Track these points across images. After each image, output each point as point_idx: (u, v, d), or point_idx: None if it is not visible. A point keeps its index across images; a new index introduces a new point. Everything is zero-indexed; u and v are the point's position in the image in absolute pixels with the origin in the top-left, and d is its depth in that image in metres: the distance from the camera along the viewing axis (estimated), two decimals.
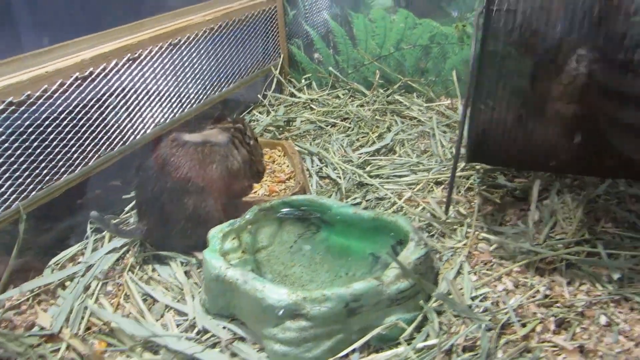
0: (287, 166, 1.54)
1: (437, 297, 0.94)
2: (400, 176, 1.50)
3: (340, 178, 1.47)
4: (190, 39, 1.60)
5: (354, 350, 0.88)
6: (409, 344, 0.87)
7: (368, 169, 1.54)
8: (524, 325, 0.91)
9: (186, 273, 1.14)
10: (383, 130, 1.80)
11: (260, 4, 1.98)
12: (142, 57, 1.42)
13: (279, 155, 1.61)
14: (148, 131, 1.48)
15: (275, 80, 2.12)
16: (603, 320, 0.93)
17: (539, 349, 0.86)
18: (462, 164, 1.50)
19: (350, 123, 1.86)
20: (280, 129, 1.84)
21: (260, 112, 1.99)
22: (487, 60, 1.02)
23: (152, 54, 1.45)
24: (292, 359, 0.88)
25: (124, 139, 1.39)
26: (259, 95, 2.08)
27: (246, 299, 0.92)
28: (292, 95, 2.13)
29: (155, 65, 1.47)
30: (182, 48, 1.57)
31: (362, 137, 1.77)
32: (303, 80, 2.19)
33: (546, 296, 0.99)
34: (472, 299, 0.98)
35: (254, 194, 1.39)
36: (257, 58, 2.03)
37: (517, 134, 1.06)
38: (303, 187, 1.39)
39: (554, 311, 0.95)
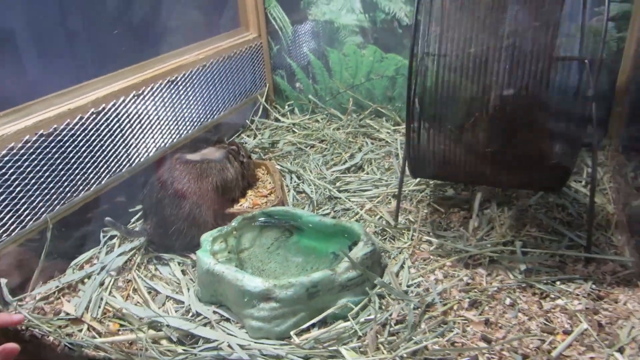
0: (269, 183, 1.81)
1: (378, 284, 1.20)
2: (364, 190, 1.77)
3: (313, 192, 1.73)
4: (186, 75, 1.88)
5: (313, 325, 1.14)
6: (354, 319, 1.13)
7: (338, 184, 1.80)
8: (444, 305, 1.17)
9: (183, 271, 1.40)
10: (355, 150, 2.07)
11: (247, 41, 2.27)
12: (145, 93, 1.69)
13: (263, 174, 1.88)
14: (151, 154, 1.75)
15: (261, 107, 2.40)
16: (508, 301, 1.19)
17: (452, 321, 1.12)
18: (417, 180, 1.77)
19: (326, 144, 2.14)
20: (265, 150, 2.12)
21: (248, 136, 2.27)
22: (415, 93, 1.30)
23: (154, 90, 1.73)
24: (265, 332, 1.14)
25: (130, 161, 1.66)
26: (247, 121, 2.35)
27: (230, 287, 1.18)
28: (277, 120, 2.41)
29: (156, 99, 1.75)
30: (179, 84, 1.85)
31: (336, 157, 2.04)
32: (286, 107, 2.47)
33: (467, 284, 1.26)
34: (408, 286, 1.25)
35: (240, 206, 1.66)
36: (246, 88, 2.31)
37: (442, 153, 1.33)
38: (281, 200, 1.66)
39: (470, 294, 1.21)
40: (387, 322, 1.11)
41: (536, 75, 1.29)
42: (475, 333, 1.09)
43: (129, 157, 1.66)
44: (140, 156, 1.70)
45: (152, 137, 1.75)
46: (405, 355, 1.03)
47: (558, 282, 1.26)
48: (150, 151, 1.75)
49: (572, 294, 1.22)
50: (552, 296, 1.21)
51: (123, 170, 1.63)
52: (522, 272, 1.28)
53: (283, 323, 1.14)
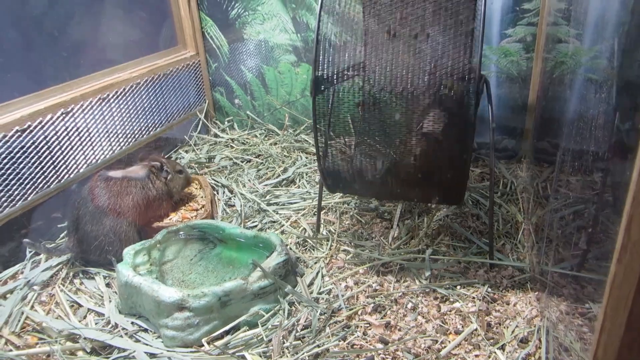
0: (202, 197, 1.86)
1: (288, 292, 1.27)
2: (293, 203, 1.85)
3: (242, 206, 1.80)
4: (118, 93, 1.92)
5: (226, 332, 1.20)
6: (263, 326, 1.20)
7: (268, 197, 1.88)
8: (349, 310, 1.25)
9: (107, 284, 1.44)
10: (289, 164, 2.15)
11: (184, 59, 2.32)
12: (74, 111, 1.72)
13: (196, 188, 1.93)
14: (81, 170, 1.78)
15: (201, 122, 2.45)
16: (410, 305, 1.29)
17: (355, 325, 1.21)
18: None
19: (262, 159, 2.21)
20: (201, 165, 2.17)
21: (185, 151, 2.31)
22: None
23: (84, 107, 1.76)
24: (179, 341, 1.19)
25: (59, 177, 1.68)
26: (186, 136, 2.40)
27: (146, 298, 1.23)
28: (216, 135, 2.47)
29: (86, 117, 1.78)
30: (111, 101, 1.89)
31: (270, 171, 2.12)
32: (226, 123, 2.53)
33: (375, 290, 1.35)
34: (319, 293, 1.33)
35: (169, 220, 1.70)
36: (184, 104, 2.36)
37: (351, 171, 1.43)
38: (210, 214, 1.72)
39: (376, 300, 1.30)
40: (294, 328, 1.19)
41: (441, 93, 1.41)
42: (374, 335, 1.18)
43: (57, 173, 1.68)
44: (69, 172, 1.73)
45: (83, 153, 1.78)
46: (307, 357, 1.10)
47: (459, 287, 1.37)
48: (81, 167, 1.77)
49: (469, 297, 1.33)
50: (451, 299, 1.32)
51: (51, 187, 1.65)
52: (427, 278, 1.39)
53: (196, 331, 1.19)
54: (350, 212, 1.77)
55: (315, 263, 1.47)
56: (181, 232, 1.49)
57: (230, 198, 1.90)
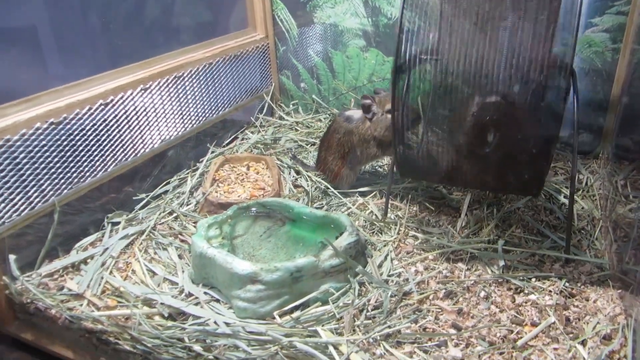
0: (269, 177, 1.89)
1: (359, 272, 1.27)
2: (359, 186, 1.83)
3: (308, 186, 1.81)
4: (192, 72, 1.97)
5: (296, 307, 1.21)
6: (334, 303, 1.20)
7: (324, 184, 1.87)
8: (420, 294, 1.23)
9: (179, 255, 1.49)
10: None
11: (254, 41, 2.35)
12: (152, 88, 1.78)
13: (263, 168, 1.96)
14: (156, 146, 1.84)
15: (267, 105, 2.48)
16: (482, 294, 1.25)
17: (427, 309, 1.18)
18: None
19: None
20: (267, 146, 2.20)
21: (252, 132, 2.35)
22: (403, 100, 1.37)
23: (160, 85, 1.82)
24: (251, 312, 1.21)
25: (135, 151, 1.75)
26: (252, 118, 2.44)
27: (220, 270, 1.26)
28: (281, 118, 2.49)
29: (162, 94, 1.84)
30: (185, 80, 1.94)
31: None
32: (291, 106, 2.55)
33: (446, 277, 1.32)
34: (389, 276, 1.31)
35: (238, 197, 1.74)
36: (252, 86, 2.39)
37: (429, 156, 1.40)
38: (277, 193, 1.74)
39: (447, 286, 1.27)
40: (364, 307, 1.18)
41: (530, 84, 1.35)
42: (447, 321, 1.16)
43: (135, 147, 1.75)
44: (145, 147, 1.79)
45: (158, 129, 1.84)
46: (378, 337, 1.09)
47: (533, 279, 1.31)
48: (155, 143, 1.84)
49: (545, 290, 1.27)
50: (526, 291, 1.27)
51: (128, 160, 1.72)
52: (501, 268, 1.34)
53: (268, 304, 1.21)
54: (418, 199, 1.74)
55: (384, 246, 1.45)
56: (253, 209, 1.51)
57: (296, 179, 1.91)
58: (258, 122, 2.41)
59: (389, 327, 1.11)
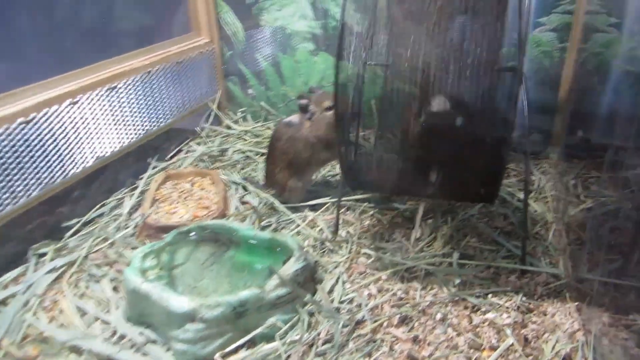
0: (214, 193, 1.77)
1: (308, 301, 1.18)
2: (308, 200, 1.74)
3: (257, 203, 1.70)
4: (129, 82, 1.83)
5: (240, 346, 1.11)
6: (282, 339, 1.10)
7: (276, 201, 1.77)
8: (374, 322, 1.16)
9: (114, 288, 1.36)
10: None
11: (198, 46, 2.22)
12: (82, 102, 1.63)
13: (208, 184, 1.84)
14: (89, 164, 1.69)
15: (213, 114, 2.35)
16: (439, 316, 1.19)
17: (381, 339, 1.11)
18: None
19: None
20: (214, 158, 2.07)
21: (197, 144, 2.22)
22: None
23: (92, 98, 1.67)
24: (191, 355, 1.10)
25: (65, 172, 1.60)
26: (197, 128, 2.31)
27: (156, 307, 1.14)
28: (228, 127, 2.37)
29: (94, 107, 1.69)
30: (121, 91, 1.79)
31: None
32: (239, 114, 2.43)
33: (401, 298, 1.25)
34: (341, 302, 1.23)
35: (179, 218, 1.62)
36: (196, 94, 2.26)
37: (377, 167, 1.33)
38: (222, 212, 1.63)
39: (402, 310, 1.20)
40: (314, 342, 1.09)
41: (479, 86, 1.30)
42: (402, 351, 1.08)
43: (64, 167, 1.59)
44: (76, 166, 1.64)
45: (90, 146, 1.69)
46: None
47: (490, 295, 1.26)
48: (88, 161, 1.69)
49: (503, 307, 1.22)
50: (483, 309, 1.22)
51: (56, 182, 1.57)
52: (457, 285, 1.29)
53: (209, 344, 1.11)
54: (370, 212, 1.67)
55: (335, 268, 1.37)
56: (192, 233, 1.40)
57: (243, 195, 1.80)
58: (204, 132, 2.29)
59: None
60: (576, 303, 1.24)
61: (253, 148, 2.16)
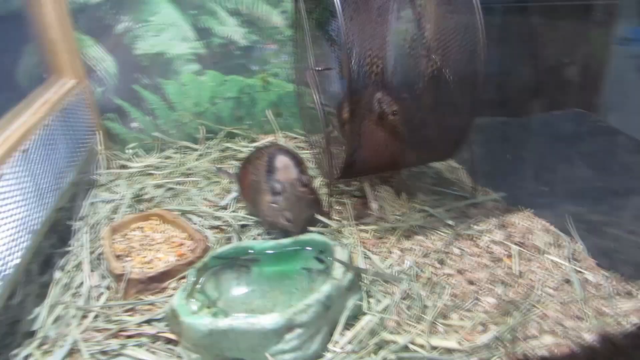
0: (177, 230, 1.68)
1: (372, 275, 1.31)
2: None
3: (228, 224, 1.69)
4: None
5: (340, 334, 1.18)
6: (365, 315, 1.22)
7: (238, 211, 1.78)
8: (423, 272, 1.36)
9: (152, 352, 1.23)
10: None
11: (65, 93, 1.97)
12: None
13: (158, 224, 1.73)
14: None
15: (102, 157, 2.14)
16: (457, 251, 1.46)
17: (437, 282, 1.32)
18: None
19: (198, 177, 2.06)
20: (141, 200, 1.92)
21: (103, 192, 2.00)
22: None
23: None
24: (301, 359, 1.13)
25: None
26: (93, 177, 2.07)
27: (244, 336, 1.12)
28: (123, 167, 2.18)
29: None
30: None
31: (215, 185, 2.00)
32: (129, 151, 2.26)
33: (421, 252, 1.47)
34: (386, 269, 1.39)
35: (166, 263, 1.51)
36: (77, 144, 1.98)
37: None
38: (203, 240, 1.58)
39: (432, 257, 1.43)
40: (395, 304, 1.24)
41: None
42: (459, 281, 1.32)
43: None
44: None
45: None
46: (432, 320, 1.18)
47: (473, 225, 1.58)
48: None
49: (487, 230, 1.55)
50: (477, 236, 1.52)
51: None
52: (449, 226, 1.57)
53: (313, 344, 1.15)
54: (330, 200, 1.82)
55: (355, 247, 1.50)
56: (211, 267, 1.36)
57: (200, 222, 1.75)
58: (102, 178, 2.07)
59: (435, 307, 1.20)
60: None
61: (168, 180, 2.06)
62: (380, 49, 1.47)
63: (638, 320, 1.11)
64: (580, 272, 1.32)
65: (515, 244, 1.46)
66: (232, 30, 2.15)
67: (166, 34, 2.10)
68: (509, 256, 1.41)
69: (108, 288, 1.45)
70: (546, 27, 2.32)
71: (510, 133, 2.33)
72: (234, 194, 1.87)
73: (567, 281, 1.29)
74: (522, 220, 1.60)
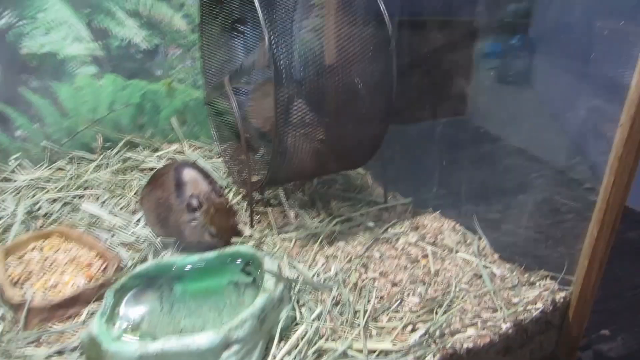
0: (83, 248, 1.54)
1: (302, 283, 1.32)
2: None
3: (150, 239, 1.58)
4: None
5: (277, 347, 1.17)
6: (299, 325, 1.22)
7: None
8: (348, 276, 1.40)
9: None
10: (135, 186, 1.94)
11: None
12: None
13: (61, 242, 1.57)
14: None
15: None
16: (377, 255, 1.52)
17: (364, 285, 1.36)
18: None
19: (100, 190, 1.90)
20: (35, 218, 1.72)
21: None
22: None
23: None
24: None
25: None
26: None
27: (180, 357, 1.07)
28: (7, 180, 1.95)
29: None
30: None
31: (120, 198, 1.87)
32: (12, 162, 2.01)
33: (345, 257, 1.51)
34: (312, 277, 1.41)
35: (74, 286, 1.38)
36: None
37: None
38: (117, 258, 1.47)
39: (356, 261, 1.48)
40: (329, 310, 1.26)
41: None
42: (385, 284, 1.38)
43: None
44: None
45: None
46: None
47: (389, 229, 1.67)
48: None
49: (402, 232, 1.64)
50: (395, 238, 1.61)
51: None
52: (370, 230, 1.63)
53: (251, 358, 1.13)
54: (247, 209, 1.80)
55: (281, 258, 1.50)
56: (134, 284, 1.27)
57: (114, 238, 1.62)
58: None
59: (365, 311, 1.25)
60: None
61: (66, 194, 1.88)
62: (288, 58, 1.49)
63: (542, 306, 1.26)
64: (487, 267, 1.45)
65: (429, 244, 1.57)
66: (131, 32, 2.02)
67: (57, 32, 1.91)
68: (425, 256, 1.51)
69: (2, 319, 1.29)
70: (434, 40, 2.53)
71: (405, 140, 2.49)
72: None
73: (478, 276, 1.41)
74: (431, 221, 1.72)
